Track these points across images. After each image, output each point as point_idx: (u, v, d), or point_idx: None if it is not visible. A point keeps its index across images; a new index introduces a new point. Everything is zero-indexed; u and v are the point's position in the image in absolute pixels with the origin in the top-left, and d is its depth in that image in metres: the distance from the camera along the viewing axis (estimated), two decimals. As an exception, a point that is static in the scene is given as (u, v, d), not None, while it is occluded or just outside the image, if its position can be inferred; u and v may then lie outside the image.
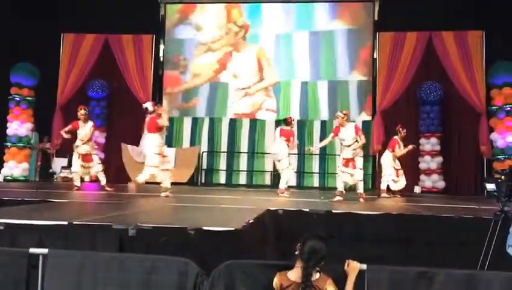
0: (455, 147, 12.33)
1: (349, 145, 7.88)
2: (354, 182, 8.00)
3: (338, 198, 7.74)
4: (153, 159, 7.63)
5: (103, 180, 9.02)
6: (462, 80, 12.02)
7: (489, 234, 3.99)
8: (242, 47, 13.73)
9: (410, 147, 9.66)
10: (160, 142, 7.77)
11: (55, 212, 5.07)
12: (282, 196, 8.60)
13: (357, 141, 7.85)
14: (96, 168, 9.01)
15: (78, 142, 8.83)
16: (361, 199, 7.82)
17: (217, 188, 11.82)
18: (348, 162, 7.90)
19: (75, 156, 8.85)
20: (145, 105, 8.11)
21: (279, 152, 9.08)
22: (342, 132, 7.98)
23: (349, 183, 8.09)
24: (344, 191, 7.94)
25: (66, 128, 9.03)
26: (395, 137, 9.69)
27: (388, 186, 9.53)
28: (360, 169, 7.97)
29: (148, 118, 7.81)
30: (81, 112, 8.91)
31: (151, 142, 7.67)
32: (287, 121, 9.31)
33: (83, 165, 8.82)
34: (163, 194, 7.59)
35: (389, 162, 9.49)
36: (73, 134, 9.00)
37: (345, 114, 8.11)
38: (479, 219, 5.19)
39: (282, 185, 9.01)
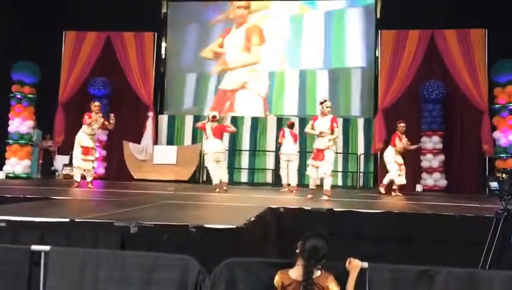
0: (457, 145, 12.31)
1: (322, 135, 7.36)
2: (320, 176, 7.40)
3: (309, 196, 7.39)
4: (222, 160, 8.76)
5: (89, 177, 8.82)
6: (465, 78, 11.99)
7: (491, 233, 3.98)
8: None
9: (415, 145, 9.75)
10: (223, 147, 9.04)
11: (57, 209, 5.07)
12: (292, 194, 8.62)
13: (332, 132, 7.36)
14: (92, 163, 8.92)
15: (82, 137, 8.72)
16: (324, 196, 7.20)
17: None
18: (318, 154, 7.41)
19: (77, 151, 8.70)
20: (213, 113, 8.91)
21: (293, 152, 9.82)
22: (320, 120, 7.49)
23: (312, 178, 7.56)
24: (314, 188, 7.59)
25: (95, 118, 8.89)
26: (396, 132, 9.73)
27: (389, 183, 9.55)
28: (331, 164, 7.43)
29: (214, 124, 8.67)
30: (96, 103, 9.01)
31: (219, 147, 8.65)
32: (293, 125, 10.20)
33: (84, 159, 8.69)
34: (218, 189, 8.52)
35: (390, 158, 9.49)
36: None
37: (330, 106, 7.60)
38: (481, 218, 5.18)
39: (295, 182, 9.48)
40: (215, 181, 8.65)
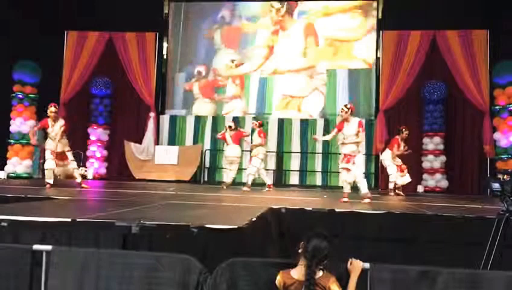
0: (458, 146, 12.30)
1: (351, 142, 7.37)
2: (354, 179, 7.41)
3: (344, 199, 7.28)
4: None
5: (78, 178, 8.80)
6: (466, 79, 11.99)
7: (493, 234, 3.98)
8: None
9: (407, 151, 9.80)
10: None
11: (58, 209, 5.08)
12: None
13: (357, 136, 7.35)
14: (72, 165, 8.79)
15: (48, 141, 8.66)
16: (365, 200, 7.21)
17: (220, 186, 11.81)
18: (348, 159, 7.39)
19: (47, 153, 8.62)
20: (229, 123, 10.44)
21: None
22: (346, 127, 7.48)
23: (347, 181, 7.50)
24: (350, 191, 7.48)
25: (35, 128, 9.32)
26: (397, 137, 9.75)
27: (394, 185, 9.65)
28: (360, 167, 7.46)
29: (232, 133, 10.19)
30: (51, 110, 8.66)
31: (238, 152, 10.28)
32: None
33: (57, 163, 8.59)
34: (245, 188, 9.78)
35: (388, 161, 9.58)
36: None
37: (349, 108, 7.50)
38: (482, 219, 5.18)
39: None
40: (228, 180, 10.30)
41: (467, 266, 3.21)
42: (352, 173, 7.35)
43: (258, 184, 10.69)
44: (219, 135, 10.74)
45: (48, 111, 8.67)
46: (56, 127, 8.63)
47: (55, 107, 8.78)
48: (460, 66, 12.07)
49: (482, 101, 11.86)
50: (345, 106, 7.62)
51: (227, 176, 10.45)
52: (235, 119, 12.11)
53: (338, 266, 2.80)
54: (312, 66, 13.39)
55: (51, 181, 8.55)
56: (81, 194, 7.51)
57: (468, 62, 12.07)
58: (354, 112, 7.65)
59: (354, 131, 7.37)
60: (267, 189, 9.94)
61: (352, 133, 7.38)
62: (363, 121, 8.38)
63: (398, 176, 9.59)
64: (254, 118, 10.33)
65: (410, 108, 12.50)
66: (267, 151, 12.92)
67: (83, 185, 8.73)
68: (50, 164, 8.55)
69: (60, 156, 8.66)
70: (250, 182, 9.91)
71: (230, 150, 10.13)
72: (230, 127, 10.24)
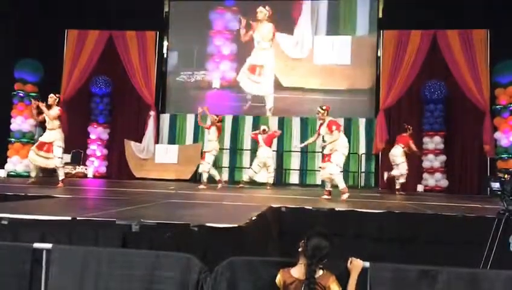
0: (459, 145, 12.29)
1: (328, 141, 7.53)
2: (328, 175, 7.49)
3: (324, 196, 7.54)
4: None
5: (62, 175, 8.43)
6: (467, 78, 11.98)
7: (493, 233, 3.98)
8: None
9: (419, 153, 10.40)
10: None
11: (58, 207, 5.08)
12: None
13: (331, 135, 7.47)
14: (55, 161, 8.40)
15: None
16: (344, 195, 7.31)
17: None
18: (324, 157, 7.80)
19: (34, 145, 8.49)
20: (263, 127, 10.83)
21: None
22: (322, 128, 7.63)
23: (323, 178, 7.80)
24: (331, 189, 7.69)
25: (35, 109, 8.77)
26: (405, 134, 9.95)
27: (393, 181, 9.91)
28: (337, 165, 7.41)
29: (264, 136, 10.45)
30: (51, 95, 8.55)
31: (269, 153, 10.49)
32: None
33: (39, 154, 8.29)
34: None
35: (401, 158, 9.96)
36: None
37: (324, 109, 7.63)
38: (482, 218, 5.18)
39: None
40: (245, 178, 10.63)
41: (467, 266, 3.20)
42: (327, 170, 7.48)
43: (258, 183, 10.71)
44: (252, 134, 11.17)
45: (48, 97, 8.55)
46: (52, 112, 8.39)
47: (55, 95, 8.67)
48: (460, 66, 12.06)
49: (482, 101, 11.85)
50: (320, 107, 7.78)
51: (248, 174, 10.60)
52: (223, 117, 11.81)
53: (338, 265, 2.79)
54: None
55: (33, 174, 8.50)
56: (81, 193, 7.51)
57: (468, 61, 12.06)
58: (328, 113, 7.72)
59: (327, 131, 7.50)
60: (219, 185, 9.89)
61: (327, 133, 7.51)
62: (341, 120, 8.59)
63: (405, 173, 9.83)
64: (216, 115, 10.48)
65: (411, 107, 12.50)
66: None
67: (59, 185, 8.17)
68: (29, 155, 8.43)
69: (47, 148, 8.31)
70: (205, 180, 9.80)
71: (262, 152, 10.33)
72: (264, 130, 10.63)
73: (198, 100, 13.52)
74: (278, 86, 13.57)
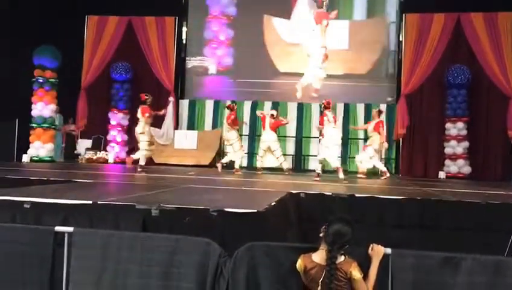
0: (482, 131, 12.04)
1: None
2: (323, 157, 8.89)
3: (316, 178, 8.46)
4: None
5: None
6: (491, 62, 11.70)
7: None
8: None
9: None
10: None
11: (80, 192, 5.14)
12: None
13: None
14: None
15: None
16: (339, 174, 8.56)
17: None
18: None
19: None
20: (272, 112, 10.60)
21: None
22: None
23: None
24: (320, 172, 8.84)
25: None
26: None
27: None
28: (329, 148, 8.67)
29: (272, 121, 10.28)
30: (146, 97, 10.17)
31: (274, 137, 10.27)
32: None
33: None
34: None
35: None
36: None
37: (322, 104, 8.98)
38: (507, 205, 5.07)
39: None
40: (258, 165, 10.47)
41: (490, 254, 3.13)
42: (321, 154, 8.84)
43: (277, 169, 10.68)
44: (260, 114, 10.83)
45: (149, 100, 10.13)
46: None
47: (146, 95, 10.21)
48: (485, 50, 11.77)
49: (507, 86, 11.56)
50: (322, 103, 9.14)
51: (262, 161, 10.46)
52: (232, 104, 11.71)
53: (359, 251, 2.76)
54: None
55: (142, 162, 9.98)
56: (102, 178, 7.60)
57: (493, 45, 11.76)
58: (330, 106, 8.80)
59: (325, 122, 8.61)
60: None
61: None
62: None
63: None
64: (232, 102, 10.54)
65: (433, 93, 12.27)
66: (286, 136, 12.92)
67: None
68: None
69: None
70: (237, 166, 10.25)
71: (266, 135, 10.28)
72: (272, 115, 10.45)
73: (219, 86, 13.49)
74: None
